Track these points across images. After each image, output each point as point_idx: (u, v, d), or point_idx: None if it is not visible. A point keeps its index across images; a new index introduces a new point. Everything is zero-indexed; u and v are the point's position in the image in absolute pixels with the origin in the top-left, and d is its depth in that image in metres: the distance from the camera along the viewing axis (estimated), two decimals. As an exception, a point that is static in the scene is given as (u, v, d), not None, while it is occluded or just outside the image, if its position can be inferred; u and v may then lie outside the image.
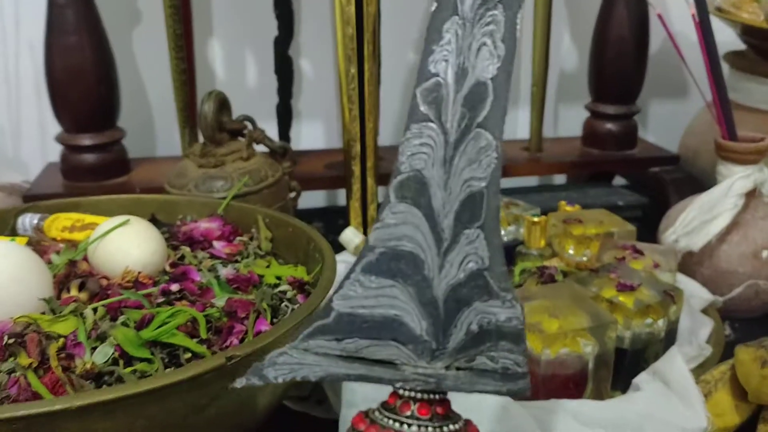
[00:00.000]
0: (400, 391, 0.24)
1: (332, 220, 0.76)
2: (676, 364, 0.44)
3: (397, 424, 0.24)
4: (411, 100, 0.24)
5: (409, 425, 0.24)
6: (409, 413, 0.24)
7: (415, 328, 0.24)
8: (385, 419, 0.24)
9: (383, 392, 0.26)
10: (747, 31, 0.73)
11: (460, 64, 0.24)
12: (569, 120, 0.94)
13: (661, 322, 0.47)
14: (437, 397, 0.24)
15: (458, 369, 0.24)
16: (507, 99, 0.23)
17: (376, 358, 0.24)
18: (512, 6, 0.23)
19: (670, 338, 0.49)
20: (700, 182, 0.76)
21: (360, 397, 0.40)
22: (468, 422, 0.25)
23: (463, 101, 0.24)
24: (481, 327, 0.24)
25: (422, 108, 0.24)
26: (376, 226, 0.25)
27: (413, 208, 0.24)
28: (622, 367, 0.47)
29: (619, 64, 0.80)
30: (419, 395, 0.24)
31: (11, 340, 0.33)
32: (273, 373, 0.23)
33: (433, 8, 0.24)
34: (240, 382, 0.24)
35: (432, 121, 0.24)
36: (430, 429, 0.24)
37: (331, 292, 0.25)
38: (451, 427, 0.24)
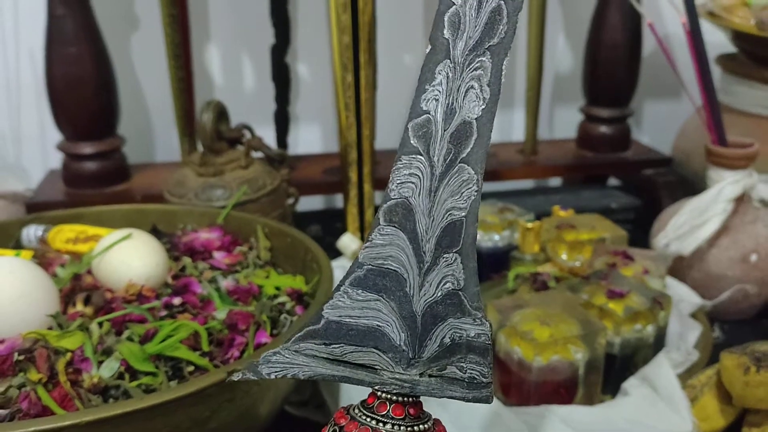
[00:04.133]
0: (379, 393, 0.27)
1: (330, 223, 0.77)
2: (663, 369, 0.45)
3: (374, 422, 0.27)
4: (402, 134, 0.27)
5: (384, 423, 0.27)
6: (384, 413, 0.27)
7: (395, 338, 0.27)
8: (364, 417, 0.27)
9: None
10: (738, 36, 0.74)
11: (449, 104, 0.26)
12: (564, 122, 0.95)
13: (650, 328, 0.49)
14: (410, 399, 0.27)
15: (431, 376, 0.27)
16: (489, 138, 0.26)
17: (358, 362, 0.27)
18: (500, 53, 0.26)
19: (659, 343, 0.50)
20: (692, 185, 0.77)
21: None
22: (437, 422, 0.28)
23: (449, 138, 0.26)
24: (453, 340, 0.27)
25: (413, 141, 0.26)
26: (366, 245, 0.27)
27: (399, 232, 0.27)
28: (612, 372, 0.48)
29: (613, 67, 0.81)
30: (395, 397, 0.27)
31: (21, 357, 0.35)
32: (267, 370, 0.27)
33: (428, 50, 0.26)
34: (237, 376, 0.27)
35: (421, 154, 0.26)
36: (402, 428, 0.27)
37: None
38: (421, 426, 0.27)
